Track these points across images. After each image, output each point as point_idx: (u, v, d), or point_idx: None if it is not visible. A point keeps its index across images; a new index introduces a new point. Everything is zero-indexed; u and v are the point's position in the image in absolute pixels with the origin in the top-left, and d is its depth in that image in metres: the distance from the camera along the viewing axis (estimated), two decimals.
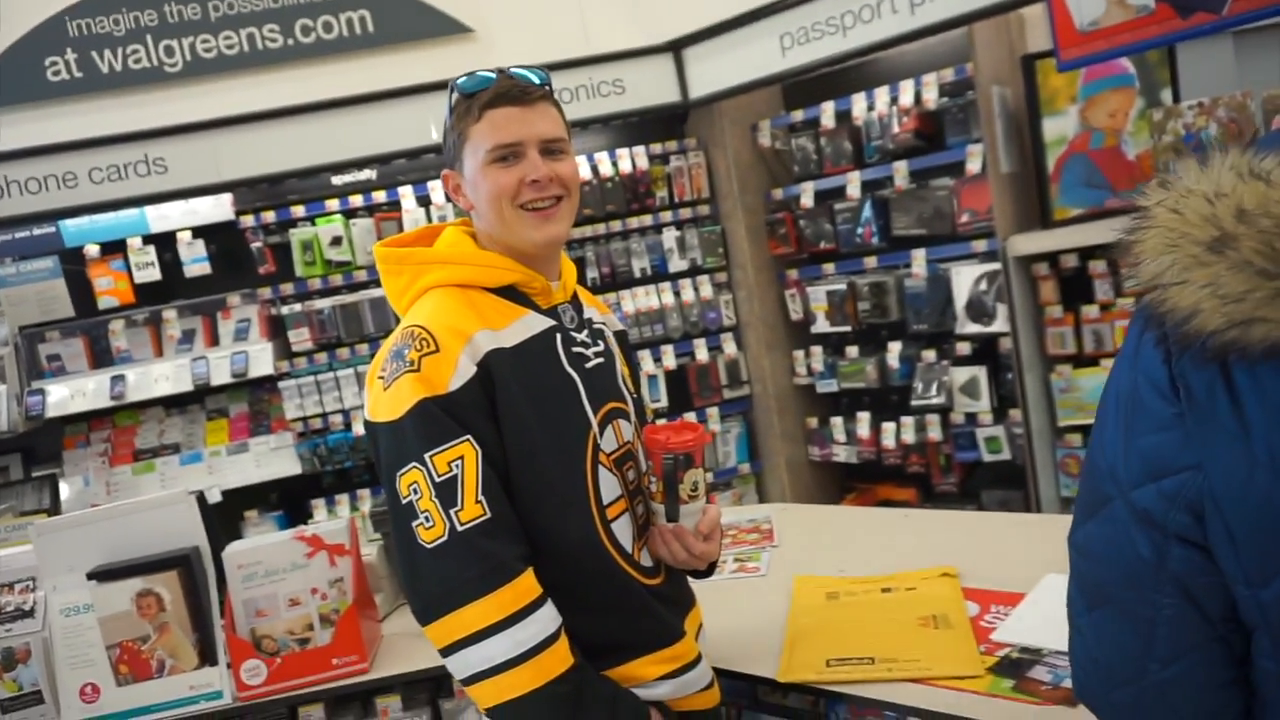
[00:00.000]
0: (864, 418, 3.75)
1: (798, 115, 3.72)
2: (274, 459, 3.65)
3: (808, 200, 3.73)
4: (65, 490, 3.62)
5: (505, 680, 1.12)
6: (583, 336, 1.32)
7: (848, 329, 3.72)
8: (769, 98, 3.88)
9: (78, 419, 3.72)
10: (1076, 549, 0.82)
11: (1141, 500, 0.75)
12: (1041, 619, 1.44)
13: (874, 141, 3.55)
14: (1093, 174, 3.06)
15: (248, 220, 3.66)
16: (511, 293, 1.28)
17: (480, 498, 1.14)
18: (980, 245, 3.30)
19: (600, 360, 1.33)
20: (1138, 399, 0.75)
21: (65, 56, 3.57)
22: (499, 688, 1.13)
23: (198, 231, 3.67)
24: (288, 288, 3.69)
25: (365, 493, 3.71)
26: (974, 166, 3.25)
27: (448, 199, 1.37)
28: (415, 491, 1.14)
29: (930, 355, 3.52)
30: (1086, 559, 0.81)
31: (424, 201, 3.72)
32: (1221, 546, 0.71)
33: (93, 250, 3.64)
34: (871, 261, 3.63)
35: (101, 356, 3.70)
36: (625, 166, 3.85)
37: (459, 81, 1.27)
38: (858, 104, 3.50)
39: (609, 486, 1.28)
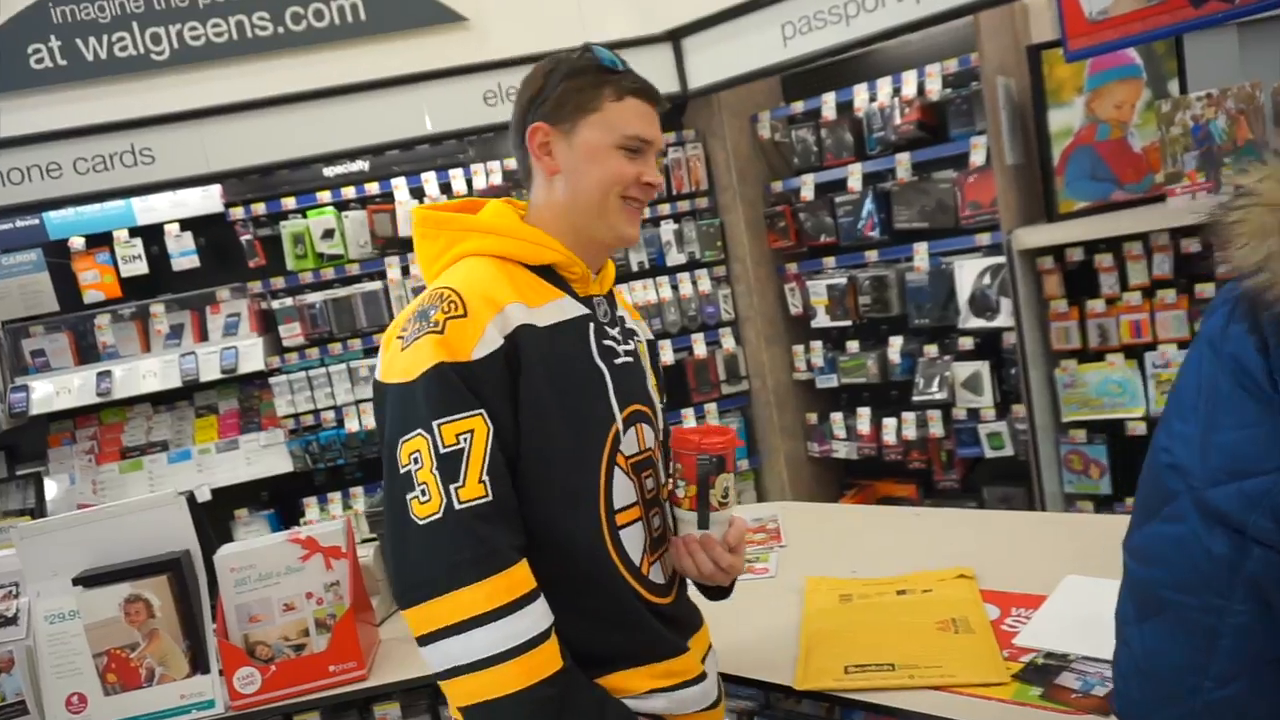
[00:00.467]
0: (864, 413, 3.71)
1: (798, 107, 3.67)
2: (265, 456, 3.58)
3: (808, 193, 3.68)
4: (51, 489, 3.54)
5: (487, 677, 1.04)
6: (614, 331, 1.26)
7: (848, 324, 3.67)
8: (768, 89, 3.83)
9: (63, 416, 3.64)
10: (1133, 553, 0.77)
11: (1218, 499, 0.69)
12: (1065, 623, 1.40)
13: (876, 133, 3.50)
14: (1098, 166, 3.01)
15: (237, 212, 3.58)
16: (549, 274, 1.21)
17: (484, 477, 1.06)
18: (984, 239, 3.26)
19: (629, 360, 1.26)
20: (1219, 392, 0.70)
21: (49, 44, 3.48)
22: (479, 685, 1.04)
23: (186, 224, 3.59)
24: (278, 281, 3.62)
25: (358, 491, 3.64)
26: (978, 159, 3.21)
27: (522, 152, 1.26)
28: (416, 461, 1.06)
29: (932, 350, 3.48)
30: (1144, 563, 0.76)
31: (418, 193, 3.65)
32: None
33: (78, 243, 3.56)
34: (873, 255, 3.58)
35: (87, 352, 3.62)
36: None
37: (598, 50, 1.22)
38: (859, 95, 3.45)
39: (623, 490, 1.20)
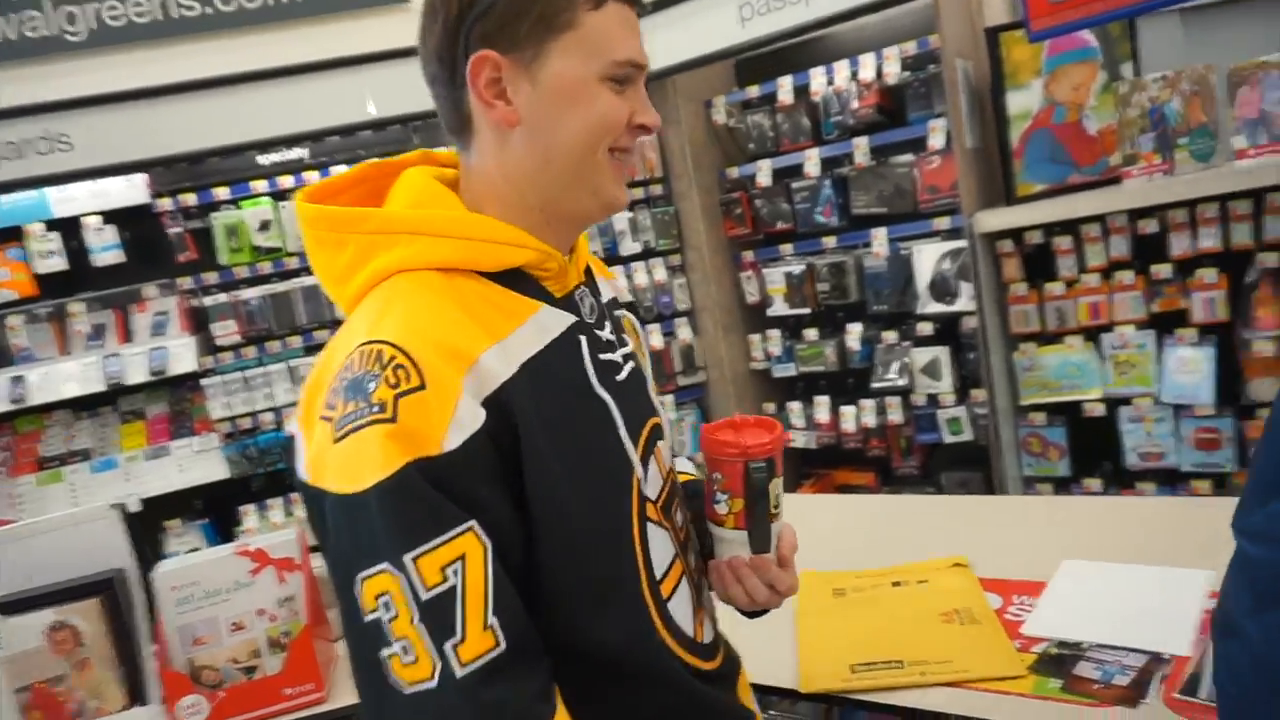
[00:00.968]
0: (823, 402, 3.67)
1: (753, 91, 3.60)
2: (198, 463, 3.38)
3: (764, 179, 3.62)
4: None
5: None
6: (607, 334, 0.93)
7: (806, 311, 3.62)
8: (722, 73, 3.75)
9: None
10: (1251, 535, 0.69)
11: None
12: (1072, 609, 1.34)
13: (833, 117, 3.45)
14: (1056, 149, 3.01)
15: (165, 203, 3.36)
16: (514, 277, 0.86)
17: (491, 621, 0.73)
18: (943, 223, 3.24)
19: (630, 365, 0.95)
20: None
21: None
22: None
23: (108, 216, 3.37)
24: (211, 277, 3.41)
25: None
26: (936, 142, 3.19)
27: (452, 91, 0.86)
28: (387, 608, 0.72)
29: (891, 336, 3.45)
30: (1266, 544, 0.68)
31: None
32: None
33: None
34: (830, 241, 3.54)
35: None
36: None
37: None
38: (816, 78, 3.40)
39: (661, 549, 0.90)
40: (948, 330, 3.37)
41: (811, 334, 3.65)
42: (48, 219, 3.33)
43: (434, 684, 0.71)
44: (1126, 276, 2.86)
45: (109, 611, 1.50)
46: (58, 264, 3.34)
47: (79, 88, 3.19)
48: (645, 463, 0.92)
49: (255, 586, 1.58)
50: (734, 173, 3.75)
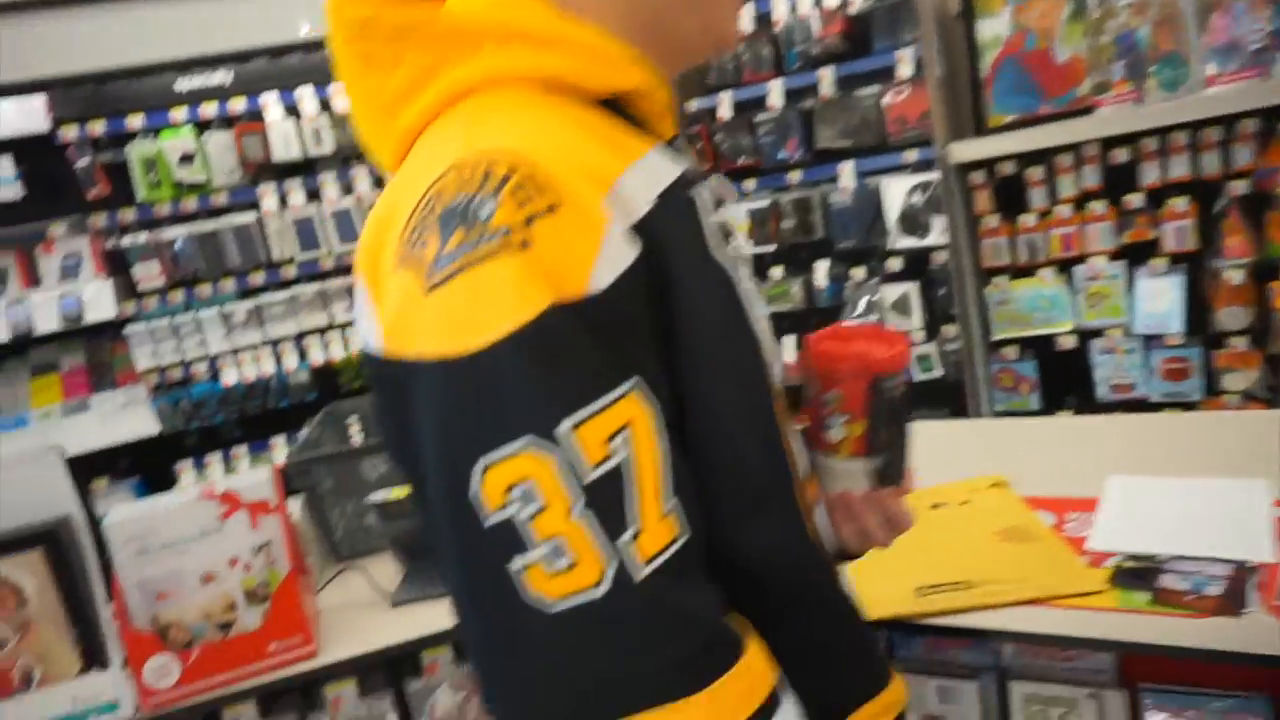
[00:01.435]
0: (789, 342, 3.59)
1: None
2: (124, 418, 3.09)
3: (725, 112, 3.48)
4: None
5: None
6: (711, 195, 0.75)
7: (771, 249, 3.52)
8: None
9: None
10: None
11: None
12: (1134, 524, 1.27)
13: (796, 47, 3.33)
14: (1023, 79, 2.96)
15: (69, 132, 3.02)
16: (614, 111, 0.67)
17: (671, 503, 0.57)
18: (911, 155, 3.16)
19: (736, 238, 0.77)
20: None
21: None
22: None
23: (3, 145, 2.99)
24: (128, 215, 3.09)
25: (242, 450, 3.20)
26: (905, 71, 3.10)
27: None
28: (528, 499, 0.54)
29: (859, 273, 3.38)
30: None
31: (292, 110, 3.19)
32: None
33: None
34: (795, 176, 3.43)
35: None
36: None
37: None
38: (778, 6, 3.27)
39: (799, 450, 0.73)
40: (916, 266, 3.32)
41: (777, 272, 3.55)
42: None
43: (601, 591, 0.53)
44: (1098, 207, 2.84)
45: (54, 565, 1.29)
46: None
47: None
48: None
49: (225, 533, 1.38)
50: (692, 105, 3.59)
